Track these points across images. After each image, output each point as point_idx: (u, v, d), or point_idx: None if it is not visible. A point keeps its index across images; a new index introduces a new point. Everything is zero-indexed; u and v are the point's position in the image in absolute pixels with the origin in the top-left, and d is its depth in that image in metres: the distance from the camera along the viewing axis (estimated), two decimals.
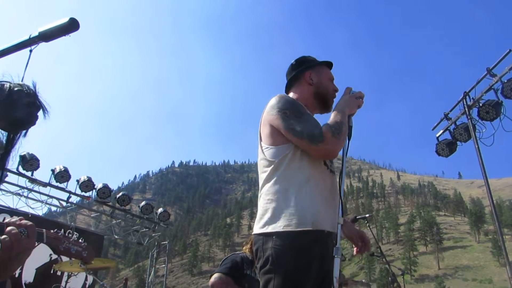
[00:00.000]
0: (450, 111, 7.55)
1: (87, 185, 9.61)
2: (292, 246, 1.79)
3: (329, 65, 2.33)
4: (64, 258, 8.15)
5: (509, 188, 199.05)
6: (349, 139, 2.04)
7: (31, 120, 1.15)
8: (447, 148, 7.62)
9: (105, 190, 9.82)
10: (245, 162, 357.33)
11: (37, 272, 7.88)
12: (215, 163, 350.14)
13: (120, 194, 10.23)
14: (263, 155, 2.02)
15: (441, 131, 7.78)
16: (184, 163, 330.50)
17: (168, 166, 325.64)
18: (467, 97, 7.01)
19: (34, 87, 1.16)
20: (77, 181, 9.59)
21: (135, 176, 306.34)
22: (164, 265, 11.78)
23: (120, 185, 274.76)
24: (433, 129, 8.02)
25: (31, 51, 1.20)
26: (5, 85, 1.13)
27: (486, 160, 6.50)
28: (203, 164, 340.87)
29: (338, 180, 2.02)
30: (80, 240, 1.38)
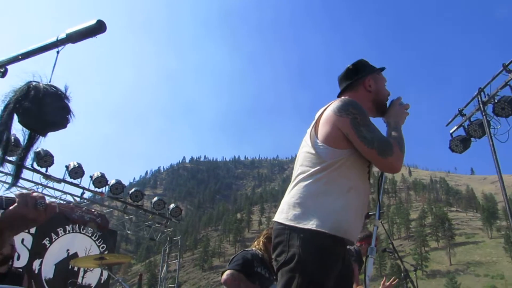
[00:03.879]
0: (465, 107, 7.47)
1: (100, 181, 9.71)
2: (321, 248, 1.79)
3: (382, 69, 2.32)
4: (80, 254, 8.28)
5: None
6: None
7: (63, 124, 1.17)
8: (461, 144, 7.55)
9: (118, 186, 9.91)
10: (255, 157, 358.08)
11: (56, 268, 8.01)
12: (225, 158, 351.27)
13: (133, 190, 10.30)
14: (314, 150, 1.98)
15: (455, 127, 7.70)
16: (195, 158, 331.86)
17: (179, 161, 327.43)
18: (482, 93, 6.93)
19: (66, 90, 1.17)
20: (91, 177, 9.68)
21: (147, 172, 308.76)
22: (176, 260, 11.89)
23: (131, 181, 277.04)
24: (447, 125, 7.95)
25: (58, 52, 1.21)
26: (40, 85, 1.14)
27: (499, 155, 6.43)
28: (214, 159, 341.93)
29: (378, 184, 2.11)
30: (92, 210, 1.41)
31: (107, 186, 9.73)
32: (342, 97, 2.07)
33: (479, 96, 6.97)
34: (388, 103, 2.24)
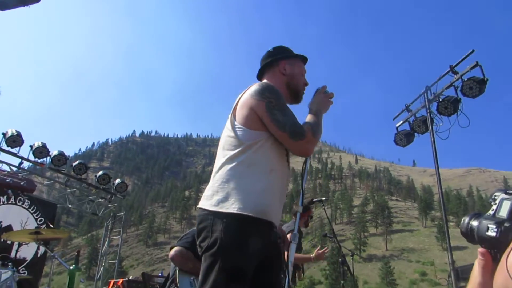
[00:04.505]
0: (412, 103, 7.78)
1: (41, 151, 9.22)
2: (243, 232, 1.81)
3: (304, 59, 2.35)
4: (15, 227, 7.89)
5: (458, 178, 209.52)
6: None
7: None
8: (405, 138, 7.88)
9: (61, 158, 9.47)
10: (208, 136, 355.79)
11: None
12: (177, 135, 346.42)
13: (77, 162, 9.89)
14: (233, 133, 2.00)
15: (401, 122, 8.02)
16: (146, 133, 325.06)
17: (129, 135, 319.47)
18: (428, 91, 7.23)
19: None
20: (31, 146, 9.17)
21: (93, 143, 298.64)
22: (118, 236, 11.67)
23: (77, 152, 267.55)
24: (394, 119, 8.26)
25: None
26: None
27: (439, 150, 6.79)
28: (165, 135, 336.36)
29: (302, 169, 2.11)
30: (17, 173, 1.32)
31: (48, 157, 9.27)
32: (261, 82, 2.12)
33: (425, 94, 7.27)
34: (314, 93, 2.27)
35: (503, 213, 0.79)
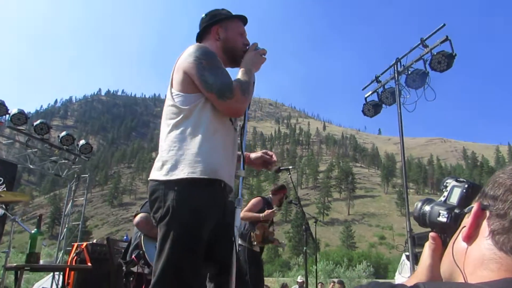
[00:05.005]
0: (381, 74, 7.82)
1: None
2: (194, 196, 1.82)
3: (243, 19, 2.29)
4: None
5: (420, 148, 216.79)
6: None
7: None
8: (372, 109, 7.97)
9: (20, 116, 9.05)
10: None
11: None
12: (145, 95, 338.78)
13: (38, 122, 9.50)
14: (172, 101, 1.99)
15: (370, 92, 8.07)
16: (112, 92, 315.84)
17: (94, 93, 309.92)
18: (398, 63, 7.27)
19: None
20: None
21: (56, 101, 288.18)
22: (82, 198, 11.50)
23: (38, 109, 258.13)
24: (363, 89, 8.30)
25: None
26: None
27: (403, 119, 6.91)
28: (132, 95, 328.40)
29: (240, 135, 2.11)
30: None
31: (7, 115, 8.85)
32: (193, 44, 2.07)
33: (395, 65, 7.31)
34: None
35: (454, 199, 0.82)
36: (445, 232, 0.80)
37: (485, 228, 0.65)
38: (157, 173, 1.90)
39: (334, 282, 15.68)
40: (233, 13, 2.27)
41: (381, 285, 0.59)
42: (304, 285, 5.45)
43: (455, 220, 0.77)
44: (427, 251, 0.83)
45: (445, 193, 0.85)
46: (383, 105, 7.91)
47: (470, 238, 0.67)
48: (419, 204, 0.88)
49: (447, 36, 6.62)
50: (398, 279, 14.31)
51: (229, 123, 2.07)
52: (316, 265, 5.81)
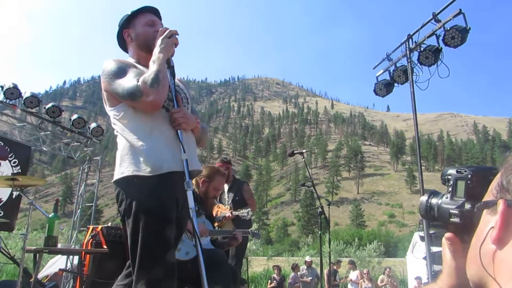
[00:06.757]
0: (393, 52, 7.67)
1: (12, 92, 8.79)
2: (145, 189, 1.99)
3: (148, 9, 2.37)
4: None
5: (430, 123, 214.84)
6: (173, 79, 2.20)
7: None
8: (384, 88, 7.86)
9: (33, 100, 9.08)
10: (183, 78, 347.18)
11: None
12: None
13: (50, 105, 9.54)
14: (110, 115, 2.21)
15: (381, 71, 7.95)
16: None
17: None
18: (410, 39, 7.12)
19: None
20: (1, 87, 8.76)
21: (65, 82, 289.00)
22: (95, 180, 11.63)
23: (47, 89, 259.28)
24: (374, 68, 8.16)
25: None
26: None
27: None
28: None
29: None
30: None
31: (20, 99, 8.90)
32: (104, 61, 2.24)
33: (407, 42, 7.17)
34: None
35: (460, 193, 0.76)
36: (462, 232, 0.74)
37: None
38: (115, 174, 2.12)
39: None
40: (136, 9, 2.37)
41: None
42: (319, 267, 5.52)
43: (469, 219, 0.71)
44: (448, 254, 0.78)
45: (449, 188, 0.78)
46: (395, 84, 7.79)
47: (501, 240, 0.57)
48: (424, 200, 0.82)
49: (460, 10, 6.45)
50: (410, 258, 14.39)
51: (167, 114, 2.17)
52: (329, 247, 5.83)
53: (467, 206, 0.72)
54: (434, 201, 0.80)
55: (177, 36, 2.21)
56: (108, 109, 2.20)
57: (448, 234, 0.77)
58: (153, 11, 2.38)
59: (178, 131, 2.13)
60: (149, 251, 1.94)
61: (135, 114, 2.10)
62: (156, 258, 1.95)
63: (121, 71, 2.11)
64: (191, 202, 2.02)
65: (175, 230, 2.09)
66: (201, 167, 2.39)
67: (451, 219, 0.74)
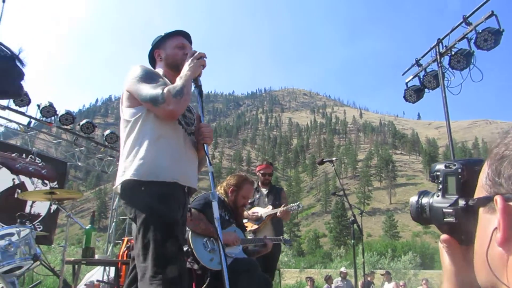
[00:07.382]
0: (422, 57, 7.54)
1: (48, 110, 9.19)
2: (146, 193, 2.09)
3: (180, 33, 2.54)
4: (29, 187, 8.02)
5: (463, 131, 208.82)
6: (201, 97, 2.42)
7: (19, 94, 1.03)
8: (415, 94, 7.72)
9: (68, 117, 9.45)
10: (211, 92, 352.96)
11: (1, 196, 7.67)
12: None
13: (84, 121, 9.90)
14: (123, 115, 2.31)
15: (411, 77, 7.82)
16: None
17: None
18: (440, 44, 6.99)
19: (20, 52, 0.99)
20: (38, 106, 9.15)
21: (97, 100, 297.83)
22: None
23: (81, 108, 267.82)
24: (403, 74, 8.05)
25: (3, 1, 1.03)
26: None
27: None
28: None
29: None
30: (36, 161, 1.32)
31: (56, 116, 9.26)
32: (133, 66, 2.36)
33: (437, 47, 7.03)
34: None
35: (452, 190, 0.70)
36: (458, 232, 0.68)
37: None
38: (119, 178, 2.20)
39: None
40: (169, 31, 2.53)
41: None
42: (354, 279, 5.41)
43: (465, 217, 0.64)
44: (446, 258, 0.72)
45: (440, 185, 0.72)
46: (426, 90, 7.64)
47: (507, 241, 0.51)
48: (414, 201, 0.76)
49: (492, 11, 6.29)
50: None
51: (179, 127, 2.33)
52: (363, 257, 5.74)
53: (461, 203, 0.66)
54: (425, 201, 0.74)
55: (205, 58, 2.37)
56: (124, 108, 2.31)
57: (443, 237, 0.72)
58: (185, 35, 2.54)
59: (205, 145, 2.29)
60: (163, 251, 2.02)
61: (150, 118, 2.21)
62: (170, 258, 2.03)
63: (149, 77, 2.25)
64: (216, 212, 2.11)
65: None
66: (196, 187, 2.46)
67: (445, 219, 0.69)
